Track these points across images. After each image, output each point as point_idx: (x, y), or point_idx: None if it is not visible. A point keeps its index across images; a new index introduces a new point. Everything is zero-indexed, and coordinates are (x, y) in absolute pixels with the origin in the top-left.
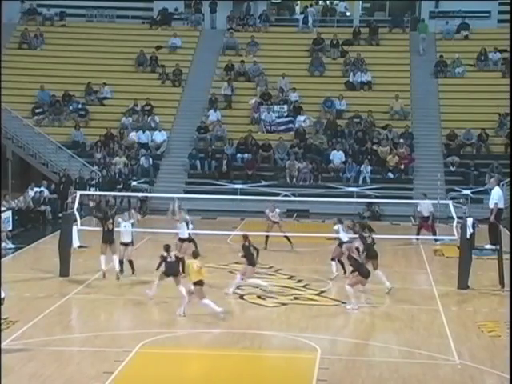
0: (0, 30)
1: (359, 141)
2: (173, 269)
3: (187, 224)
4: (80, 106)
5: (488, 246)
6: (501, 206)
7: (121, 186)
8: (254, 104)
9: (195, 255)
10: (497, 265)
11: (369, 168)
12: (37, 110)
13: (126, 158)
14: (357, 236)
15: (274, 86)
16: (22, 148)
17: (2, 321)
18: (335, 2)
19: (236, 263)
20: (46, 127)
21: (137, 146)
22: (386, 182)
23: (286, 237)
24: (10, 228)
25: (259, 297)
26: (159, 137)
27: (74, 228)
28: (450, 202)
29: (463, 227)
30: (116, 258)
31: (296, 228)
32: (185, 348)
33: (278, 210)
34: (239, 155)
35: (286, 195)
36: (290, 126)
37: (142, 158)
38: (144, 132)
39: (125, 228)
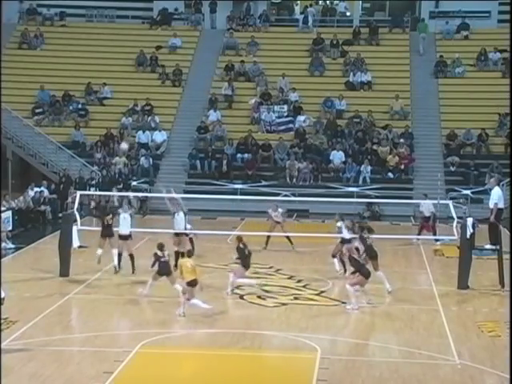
0: (0, 30)
1: (359, 141)
2: (166, 268)
3: (184, 215)
4: (80, 105)
5: (488, 246)
6: (501, 206)
7: (121, 186)
8: (254, 104)
9: (189, 254)
10: (497, 265)
11: (369, 168)
12: (37, 110)
13: (126, 158)
14: (357, 236)
15: (274, 85)
16: (21, 148)
17: (2, 321)
18: (335, 2)
19: (236, 263)
20: (46, 127)
21: (137, 145)
22: (386, 182)
23: (288, 237)
24: (10, 228)
25: (259, 297)
26: (159, 137)
27: (74, 228)
28: (450, 202)
29: (463, 227)
30: (115, 253)
31: (296, 228)
32: (185, 348)
33: (280, 210)
34: (239, 155)
35: (285, 195)
36: (290, 125)
37: (142, 158)
38: (144, 132)
39: (124, 219)
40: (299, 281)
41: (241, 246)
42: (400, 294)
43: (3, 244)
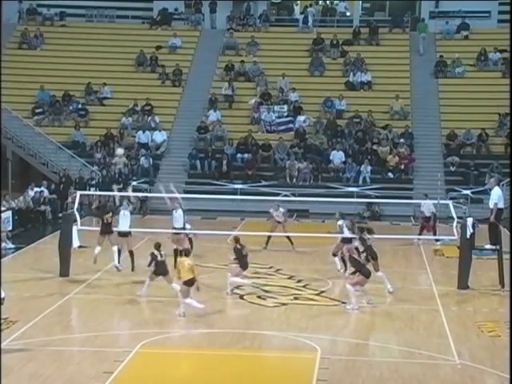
0: (0, 30)
1: (359, 141)
2: (163, 268)
3: (183, 211)
4: (80, 106)
5: (488, 246)
6: (500, 205)
7: (121, 186)
8: (254, 104)
9: (187, 253)
10: (497, 265)
11: (369, 168)
12: (37, 110)
13: (126, 158)
14: (356, 236)
15: (274, 85)
16: (22, 148)
17: (2, 321)
18: (335, 2)
19: (234, 264)
20: (46, 127)
21: (137, 145)
22: (386, 182)
23: (288, 237)
24: (10, 228)
25: (259, 297)
26: (159, 137)
27: (74, 228)
28: (450, 202)
29: (463, 227)
30: (115, 250)
31: (296, 228)
32: (185, 348)
33: (282, 210)
34: (239, 155)
35: (286, 195)
36: (290, 125)
37: (142, 158)
38: (144, 132)
39: (124, 216)
40: (299, 281)
41: (238, 246)
42: (400, 294)
43: (3, 244)
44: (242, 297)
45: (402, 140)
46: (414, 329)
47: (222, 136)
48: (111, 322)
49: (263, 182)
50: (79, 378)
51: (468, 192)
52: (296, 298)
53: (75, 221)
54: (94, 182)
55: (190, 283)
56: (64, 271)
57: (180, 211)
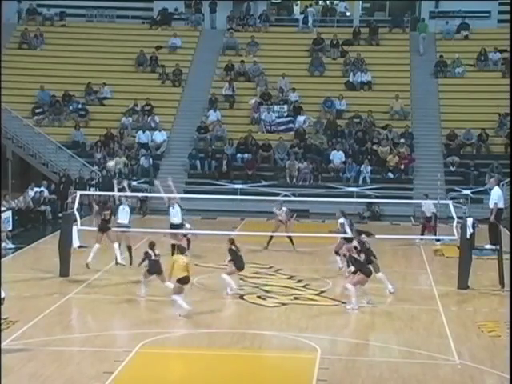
0: (0, 30)
1: (359, 141)
2: (156, 267)
3: (180, 207)
4: (80, 106)
5: (488, 246)
6: (500, 205)
7: (120, 186)
8: (254, 104)
9: (182, 251)
10: (497, 265)
11: (369, 168)
12: (37, 110)
13: (126, 158)
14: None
15: (274, 85)
16: (21, 148)
17: (2, 321)
18: (335, 2)
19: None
20: (46, 127)
21: (137, 145)
22: (386, 182)
23: (290, 237)
24: (10, 228)
25: (259, 297)
26: (159, 137)
27: (74, 228)
28: (450, 202)
29: (463, 227)
30: (116, 247)
31: (296, 228)
32: (185, 348)
33: (284, 209)
34: (239, 155)
35: (286, 195)
36: (290, 125)
37: (142, 158)
38: (144, 132)
39: (123, 210)
40: (299, 281)
41: (233, 247)
42: (400, 294)
43: (3, 244)
44: (242, 297)
45: (402, 140)
46: (414, 329)
47: (222, 136)
48: (111, 322)
49: (263, 182)
50: (79, 378)
51: (468, 192)
52: (296, 298)
53: (75, 221)
54: (93, 182)
55: (183, 281)
56: (64, 271)
57: (177, 207)
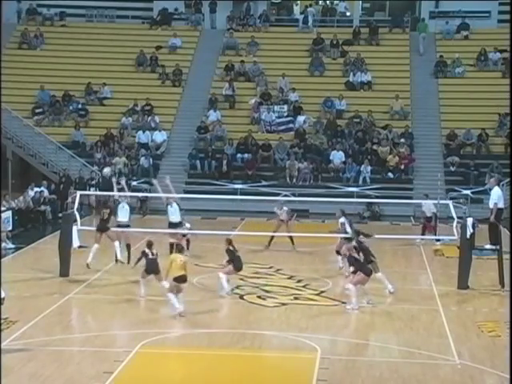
0: (0, 30)
1: (359, 141)
2: (153, 266)
3: (178, 205)
4: (80, 106)
5: (488, 246)
6: (500, 205)
7: (120, 186)
8: (254, 104)
9: (180, 249)
10: (497, 265)
11: (369, 168)
12: (37, 110)
13: (126, 158)
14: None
15: (274, 85)
16: (21, 148)
17: (2, 321)
18: (335, 2)
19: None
20: (46, 127)
21: (137, 145)
22: (386, 182)
23: (290, 237)
24: (10, 228)
25: (259, 297)
26: (159, 137)
27: (74, 228)
28: (450, 202)
29: (463, 227)
30: (117, 245)
31: (296, 228)
32: (185, 348)
33: (285, 208)
34: (239, 155)
35: (286, 195)
36: (290, 125)
37: (142, 158)
38: (144, 132)
39: (123, 208)
40: (299, 281)
41: (230, 248)
42: (400, 294)
43: (3, 244)
44: (242, 297)
45: (402, 140)
46: (414, 329)
47: (222, 136)
48: (111, 322)
49: (263, 182)
50: (79, 378)
51: (468, 192)
52: (296, 298)
53: (75, 221)
54: (94, 182)
55: (179, 279)
56: (64, 271)
57: (175, 205)
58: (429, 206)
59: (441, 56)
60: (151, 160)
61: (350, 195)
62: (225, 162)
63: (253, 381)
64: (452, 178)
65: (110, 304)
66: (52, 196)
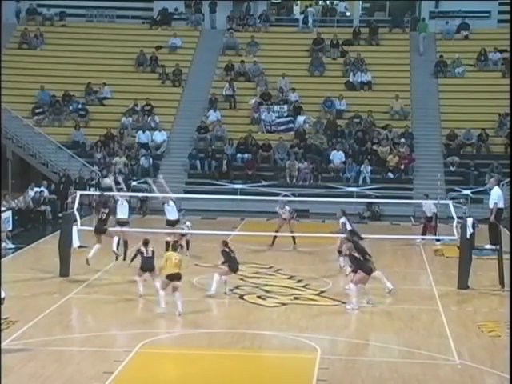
0: (0, 30)
1: (359, 141)
2: (149, 264)
3: (174, 203)
4: (80, 106)
5: (488, 246)
6: (500, 205)
7: (120, 186)
8: (254, 104)
9: (175, 248)
10: (497, 265)
11: (369, 168)
12: (37, 110)
13: (126, 158)
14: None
15: (274, 85)
16: (22, 148)
17: (2, 321)
18: (335, 2)
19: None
20: (46, 127)
21: (137, 145)
22: (386, 182)
23: (293, 236)
24: (10, 228)
25: (259, 297)
26: (159, 137)
27: (74, 228)
28: (450, 202)
29: (463, 227)
30: (115, 240)
31: (296, 228)
32: (185, 348)
33: (287, 208)
34: (239, 155)
35: (286, 195)
36: (290, 125)
37: (142, 158)
38: (144, 132)
39: (122, 205)
40: (299, 281)
41: (226, 249)
42: (400, 294)
43: (3, 244)
44: (242, 297)
45: (402, 140)
46: (414, 329)
47: (222, 136)
48: (111, 322)
49: (263, 182)
50: (79, 378)
51: (468, 192)
52: (296, 298)
53: (75, 221)
54: (94, 182)
55: (172, 277)
56: (64, 271)
57: (172, 203)
58: (429, 206)
59: (441, 56)
60: (151, 160)
61: (350, 195)
62: (225, 161)
63: (253, 381)
64: (452, 178)
65: (110, 304)
66: (52, 196)
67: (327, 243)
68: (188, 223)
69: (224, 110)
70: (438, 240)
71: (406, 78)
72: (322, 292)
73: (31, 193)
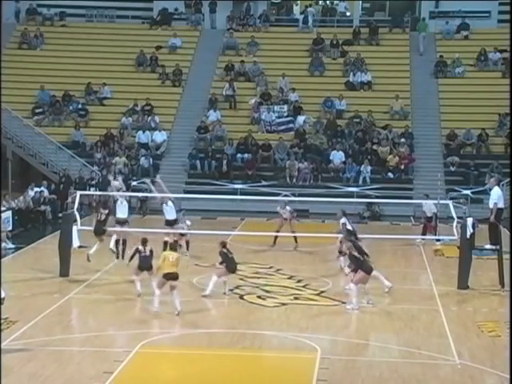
0: (0, 30)
1: (359, 141)
2: (147, 263)
3: (173, 203)
4: (80, 106)
5: (488, 246)
6: (500, 205)
7: (120, 186)
8: (254, 104)
9: (173, 247)
10: (497, 265)
11: (369, 168)
12: (37, 110)
13: (126, 158)
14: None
15: (274, 85)
16: (22, 148)
17: (2, 321)
18: (335, 2)
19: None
20: (46, 127)
21: (137, 145)
22: (386, 182)
23: (294, 236)
24: (10, 228)
25: (259, 297)
26: (159, 137)
27: (74, 228)
28: (450, 202)
29: (463, 227)
30: (114, 237)
31: (296, 228)
32: (185, 348)
33: (288, 208)
34: (239, 155)
35: (286, 195)
36: (290, 125)
37: (142, 158)
38: (144, 132)
39: (121, 204)
40: (299, 281)
41: (224, 250)
42: (400, 293)
43: (3, 244)
44: (242, 297)
45: (402, 140)
46: (414, 329)
47: (222, 136)
48: (111, 322)
49: (263, 182)
50: (79, 378)
51: (468, 192)
52: (296, 298)
53: (75, 221)
54: (94, 182)
55: (169, 276)
56: (64, 271)
57: (170, 203)
58: (429, 206)
59: (441, 56)
60: (151, 160)
61: (350, 195)
62: (225, 161)
63: (253, 381)
64: (452, 178)
65: (110, 304)
66: (52, 196)
67: (327, 243)
68: (188, 221)
69: (224, 110)
70: (438, 240)
71: (406, 78)
72: (322, 292)
73: (31, 193)
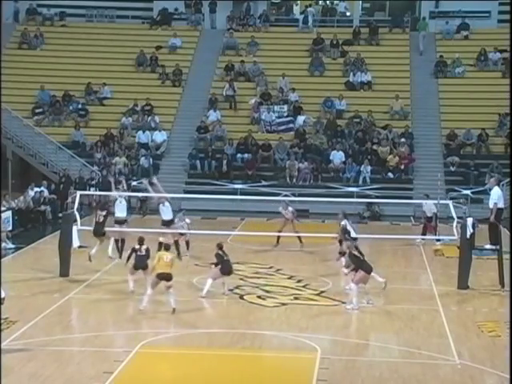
0: (0, 30)
1: (359, 141)
2: (142, 262)
3: (170, 204)
4: (80, 106)
5: (488, 246)
6: (500, 205)
7: (120, 186)
8: (254, 104)
9: (167, 248)
10: (497, 265)
11: (369, 168)
12: (37, 110)
13: (126, 158)
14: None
15: (274, 85)
16: (22, 148)
17: (2, 321)
18: (335, 2)
19: (237, 263)
20: (46, 127)
21: (137, 145)
22: (386, 182)
23: (298, 236)
24: (10, 228)
25: (259, 297)
26: (159, 137)
27: (74, 228)
28: (450, 202)
29: (463, 227)
30: (112, 241)
31: (296, 228)
32: (185, 348)
33: (290, 209)
34: (239, 155)
35: (286, 195)
36: (290, 125)
37: (142, 158)
38: (144, 132)
39: (120, 203)
40: (299, 281)
41: (220, 252)
42: (400, 294)
43: (3, 244)
44: (242, 297)
45: (402, 140)
46: (414, 329)
47: (222, 136)
48: (111, 322)
49: (263, 182)
50: (79, 378)
51: (468, 192)
52: (296, 298)
53: (75, 221)
54: (94, 182)
55: (162, 277)
56: (64, 271)
57: (167, 203)
58: (429, 206)
59: (441, 56)
60: (151, 160)
61: (350, 195)
62: (225, 161)
63: (253, 381)
64: (452, 178)
65: (110, 304)
66: (52, 196)
67: (327, 243)
68: (187, 220)
69: (224, 110)
70: (438, 240)
71: (406, 78)
72: (322, 292)
73: (31, 193)
